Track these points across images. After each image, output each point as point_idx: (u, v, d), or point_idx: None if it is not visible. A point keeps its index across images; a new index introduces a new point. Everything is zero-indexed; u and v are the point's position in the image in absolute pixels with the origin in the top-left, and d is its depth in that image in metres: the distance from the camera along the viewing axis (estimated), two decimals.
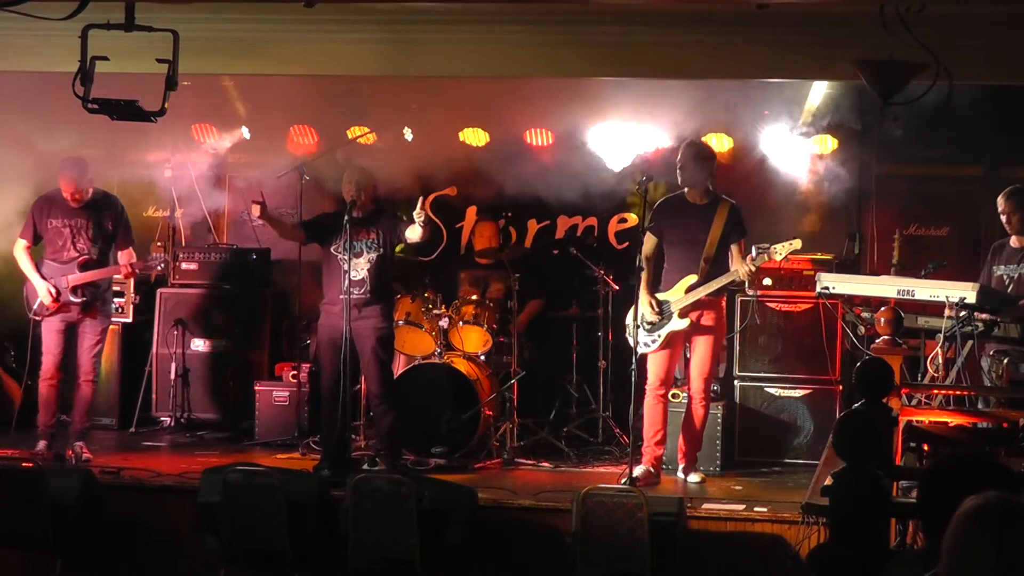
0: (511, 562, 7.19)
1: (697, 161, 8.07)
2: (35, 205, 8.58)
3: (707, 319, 8.04)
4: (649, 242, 8.20)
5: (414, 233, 8.06)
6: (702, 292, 7.94)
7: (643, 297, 7.99)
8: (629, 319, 8.06)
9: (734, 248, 8.02)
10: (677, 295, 8.01)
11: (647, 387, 8.07)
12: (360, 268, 8.15)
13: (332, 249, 8.18)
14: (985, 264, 7.83)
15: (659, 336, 8.01)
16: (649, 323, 7.99)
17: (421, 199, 8.13)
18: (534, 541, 7.22)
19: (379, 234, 8.21)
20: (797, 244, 7.92)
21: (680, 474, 8.14)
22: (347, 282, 7.99)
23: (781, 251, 7.88)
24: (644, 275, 8.01)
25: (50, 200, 8.57)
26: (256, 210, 8.12)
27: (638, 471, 7.80)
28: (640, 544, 6.43)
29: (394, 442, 8.27)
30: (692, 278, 7.97)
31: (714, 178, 8.21)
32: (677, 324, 7.99)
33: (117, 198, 8.80)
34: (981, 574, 2.77)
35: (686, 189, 8.13)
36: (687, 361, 8.27)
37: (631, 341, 8.00)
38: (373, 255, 8.18)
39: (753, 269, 7.89)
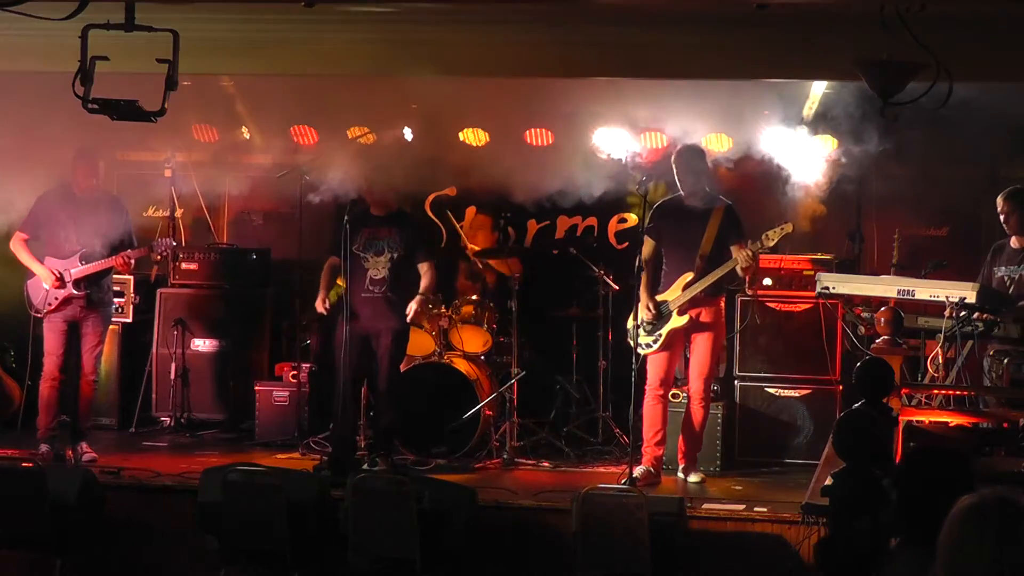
0: (511, 562, 7.19)
1: (692, 165, 8.09)
2: (40, 199, 8.57)
3: (706, 317, 8.04)
4: (647, 245, 8.21)
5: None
6: (700, 287, 7.95)
7: (642, 300, 8.00)
8: (630, 323, 8.08)
9: (734, 249, 8.01)
10: (675, 294, 8.02)
11: (647, 387, 8.08)
12: (381, 267, 8.22)
13: (354, 249, 8.23)
14: (985, 265, 7.83)
15: (659, 336, 8.02)
16: (648, 324, 8.00)
17: (413, 308, 8.26)
18: (534, 541, 7.22)
19: (400, 234, 8.28)
20: (788, 228, 7.94)
21: (680, 474, 8.14)
22: (368, 285, 8.07)
23: (773, 236, 7.88)
24: (644, 277, 8.02)
25: (55, 194, 8.58)
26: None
27: (638, 471, 7.81)
28: (640, 544, 6.43)
29: (390, 437, 8.35)
30: (689, 276, 7.99)
31: (710, 179, 8.24)
32: (676, 322, 8.00)
33: (123, 202, 8.82)
34: (978, 571, 2.78)
35: (683, 192, 8.15)
36: (687, 361, 8.27)
37: (632, 344, 8.02)
38: (394, 254, 8.24)
39: (750, 255, 7.88)
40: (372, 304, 8.24)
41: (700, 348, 8.08)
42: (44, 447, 8.40)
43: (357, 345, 8.14)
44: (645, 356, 8.08)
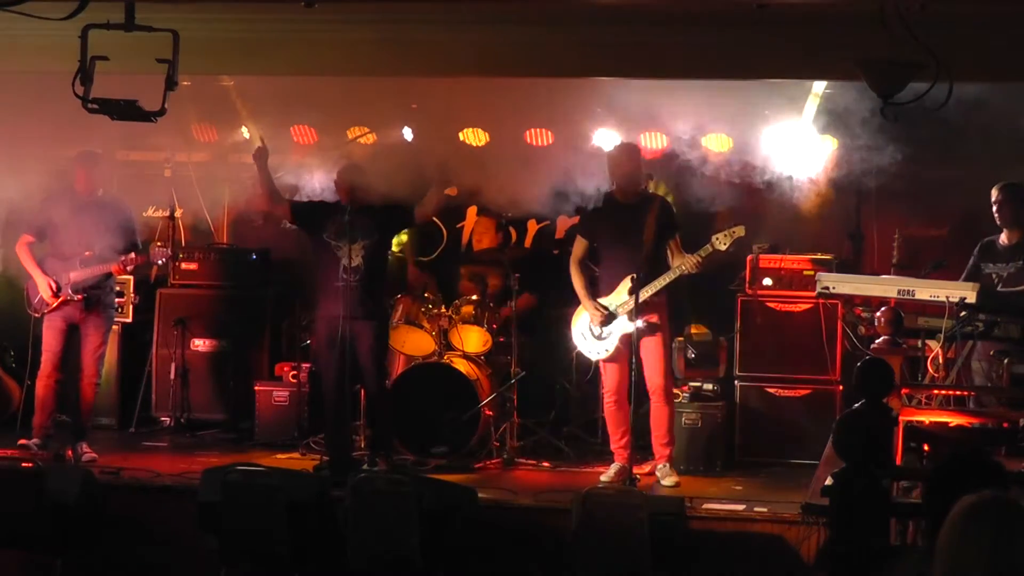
0: (511, 562, 7.19)
1: (631, 162, 8.02)
2: (44, 201, 8.60)
3: (654, 318, 7.90)
4: (580, 245, 8.16)
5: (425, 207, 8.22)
6: (648, 292, 7.83)
7: (586, 304, 7.95)
8: (576, 330, 8.07)
9: (672, 244, 7.94)
10: (621, 297, 7.89)
11: (603, 392, 8.06)
12: (355, 254, 8.11)
13: (325, 237, 8.16)
14: (971, 260, 7.84)
15: (612, 343, 7.92)
16: (597, 329, 7.92)
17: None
18: (534, 541, 7.21)
19: (373, 221, 8.20)
20: (740, 231, 7.83)
21: (658, 474, 7.96)
22: (342, 273, 8.02)
23: (724, 240, 7.77)
24: (580, 281, 8.01)
25: (59, 196, 8.59)
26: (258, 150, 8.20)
27: (613, 469, 7.89)
28: (640, 544, 6.43)
29: (388, 437, 8.35)
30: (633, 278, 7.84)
31: (644, 177, 8.20)
32: (627, 327, 7.86)
33: (126, 202, 8.83)
34: (976, 572, 2.78)
35: (615, 189, 8.08)
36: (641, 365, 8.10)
37: (585, 351, 8.06)
38: (368, 241, 8.15)
39: (699, 260, 7.78)
40: (346, 293, 7.98)
41: (652, 348, 7.90)
42: (34, 440, 8.39)
43: (339, 346, 8.02)
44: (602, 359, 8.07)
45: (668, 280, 7.87)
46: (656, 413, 8.03)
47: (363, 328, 8.09)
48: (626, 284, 7.88)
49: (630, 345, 7.89)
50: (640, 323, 7.81)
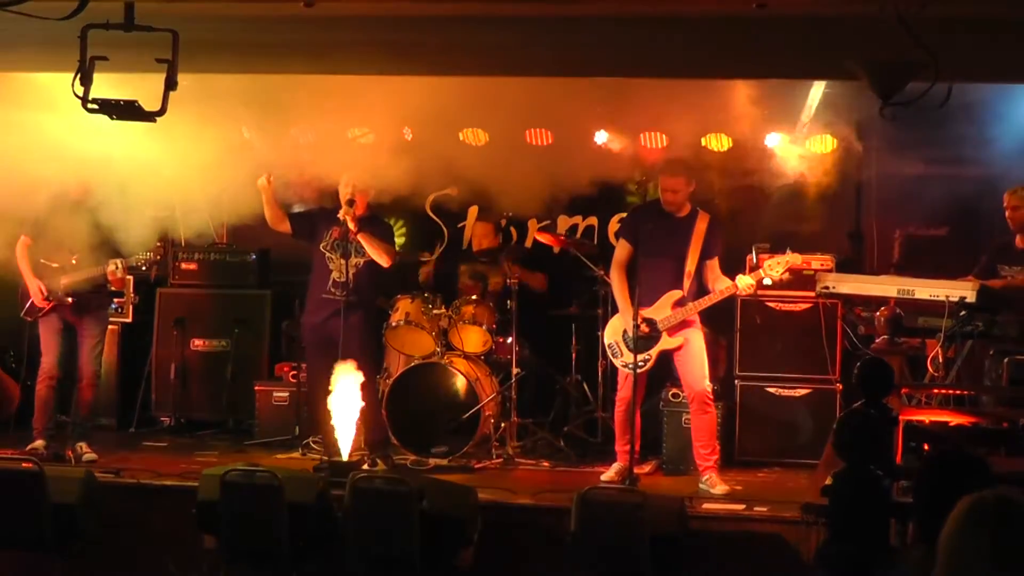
0: (511, 562, 7.19)
1: (683, 178, 7.85)
2: (45, 203, 8.58)
3: (691, 333, 7.81)
4: (623, 249, 7.95)
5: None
6: (695, 309, 7.76)
7: (628, 314, 7.72)
8: (609, 338, 7.96)
9: (709, 263, 7.83)
10: (663, 312, 7.77)
11: (617, 397, 7.96)
12: (346, 270, 8.13)
13: (321, 246, 8.21)
14: (984, 259, 7.83)
15: (649, 356, 7.76)
16: (635, 340, 7.63)
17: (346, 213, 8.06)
18: (534, 541, 7.21)
19: (370, 238, 8.22)
20: (797, 259, 7.81)
21: (704, 485, 7.78)
22: (331, 286, 8.10)
23: (777, 268, 7.71)
24: (623, 287, 7.82)
25: (54, 199, 8.57)
26: (264, 181, 8.21)
27: (613, 468, 7.87)
28: (640, 544, 6.43)
29: (383, 438, 8.41)
30: (677, 294, 7.76)
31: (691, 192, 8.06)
32: (669, 343, 7.76)
33: (112, 204, 8.81)
34: (977, 572, 2.78)
35: (664, 204, 7.91)
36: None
37: (617, 362, 7.90)
38: (361, 260, 8.19)
39: (753, 284, 7.71)
40: (332, 307, 8.11)
41: (694, 356, 7.80)
42: (40, 442, 8.40)
43: (322, 348, 8.06)
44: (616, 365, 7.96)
45: (717, 300, 7.77)
46: (699, 422, 7.85)
47: (346, 334, 8.06)
48: (668, 298, 7.76)
49: (658, 360, 7.84)
50: (680, 339, 7.75)
